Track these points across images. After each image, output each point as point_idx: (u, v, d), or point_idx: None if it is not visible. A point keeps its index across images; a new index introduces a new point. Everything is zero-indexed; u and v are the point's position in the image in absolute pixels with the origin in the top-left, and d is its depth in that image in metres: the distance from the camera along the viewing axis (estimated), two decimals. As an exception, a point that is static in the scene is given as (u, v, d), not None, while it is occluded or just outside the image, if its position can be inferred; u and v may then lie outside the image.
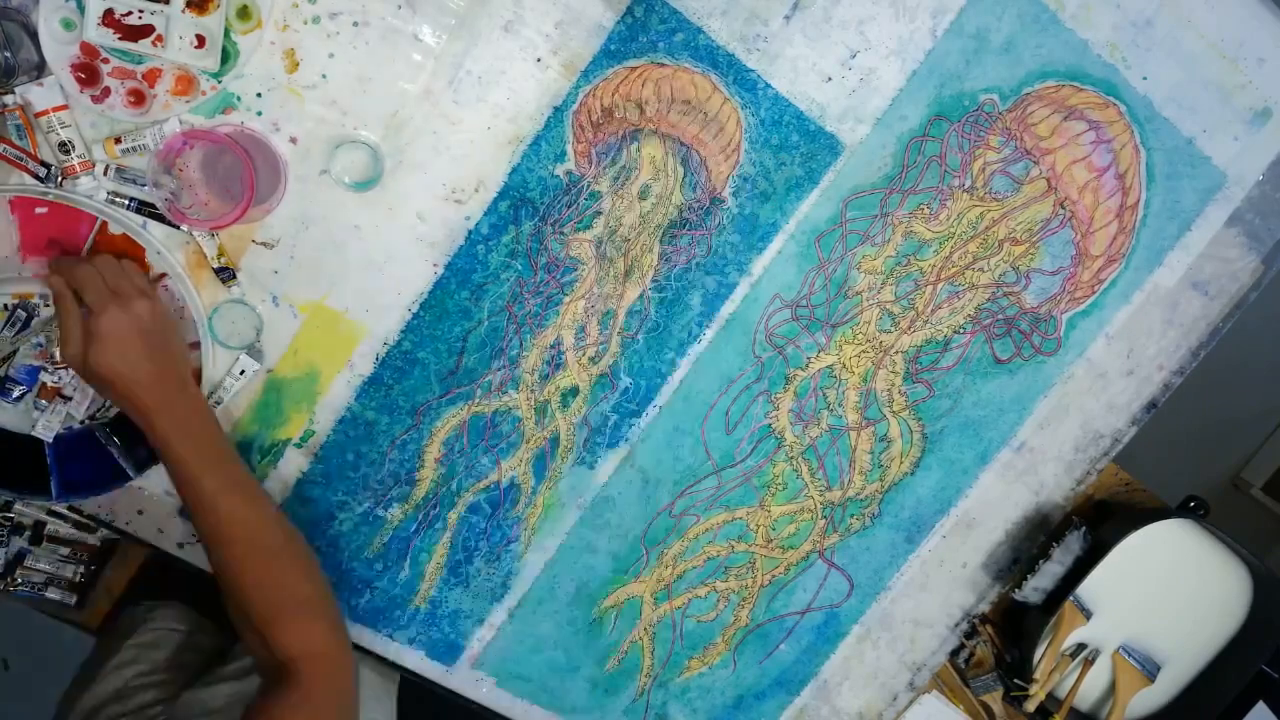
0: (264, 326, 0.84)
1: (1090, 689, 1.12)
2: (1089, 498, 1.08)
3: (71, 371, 0.82)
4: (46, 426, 0.82)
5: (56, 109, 0.75)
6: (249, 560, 0.73)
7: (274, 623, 0.71)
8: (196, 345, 0.83)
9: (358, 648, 0.95)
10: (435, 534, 0.92)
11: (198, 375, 0.83)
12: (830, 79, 0.85)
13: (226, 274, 0.82)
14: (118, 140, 0.77)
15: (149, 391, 0.72)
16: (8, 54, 0.73)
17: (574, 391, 0.90)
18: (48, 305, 0.81)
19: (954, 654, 1.08)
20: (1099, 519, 1.07)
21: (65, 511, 0.88)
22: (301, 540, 0.77)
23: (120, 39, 0.73)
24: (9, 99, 0.74)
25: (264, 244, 0.82)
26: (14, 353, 0.81)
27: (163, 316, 0.75)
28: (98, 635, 1.01)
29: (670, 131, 0.85)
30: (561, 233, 0.86)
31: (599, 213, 0.86)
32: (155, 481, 0.87)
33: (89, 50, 0.74)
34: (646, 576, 0.97)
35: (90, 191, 0.78)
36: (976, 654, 1.09)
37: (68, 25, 0.74)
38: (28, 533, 1.00)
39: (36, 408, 0.82)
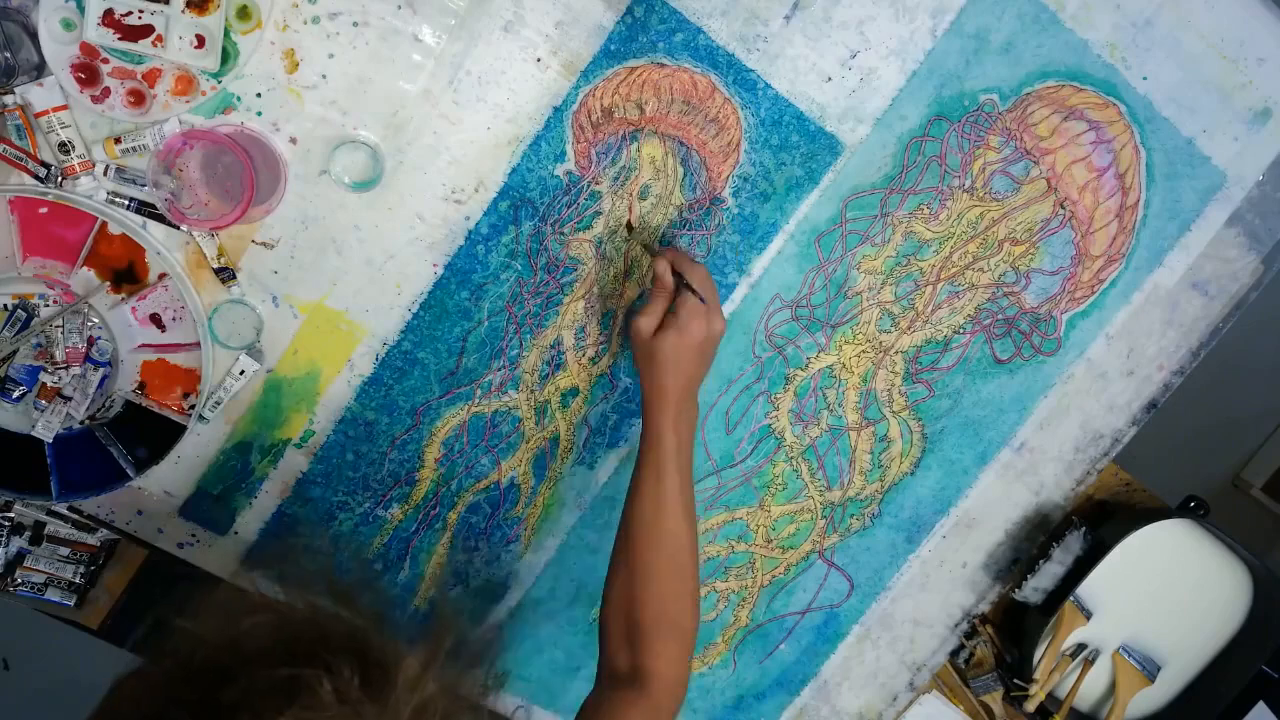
0: (264, 326, 0.84)
1: (1090, 689, 1.12)
2: (1089, 498, 1.08)
3: (73, 372, 0.82)
4: (46, 426, 0.82)
5: (56, 109, 0.76)
6: (667, 571, 0.76)
7: (654, 635, 0.74)
8: (196, 345, 0.83)
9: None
10: (435, 534, 0.92)
11: (193, 380, 0.83)
12: (830, 79, 0.85)
13: (226, 274, 0.82)
14: (118, 140, 0.77)
15: (679, 383, 0.78)
16: (8, 54, 0.73)
17: (574, 391, 0.90)
18: (48, 305, 0.81)
19: (954, 654, 1.08)
20: (1099, 519, 1.07)
21: (65, 511, 0.88)
22: (699, 575, 0.80)
23: (120, 39, 0.74)
24: (9, 99, 0.74)
25: (264, 244, 0.82)
26: (14, 353, 0.81)
27: (719, 340, 0.81)
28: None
29: (670, 131, 0.85)
30: (561, 233, 0.86)
31: (599, 213, 0.86)
32: (155, 481, 0.87)
33: (89, 50, 0.74)
34: (646, 576, 0.97)
35: (90, 191, 0.78)
36: (976, 654, 1.09)
37: (68, 25, 0.74)
38: (28, 533, 1.00)
39: (36, 408, 0.82)
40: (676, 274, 0.80)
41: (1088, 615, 1.07)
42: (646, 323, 0.79)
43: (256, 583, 0.57)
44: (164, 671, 0.47)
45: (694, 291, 0.79)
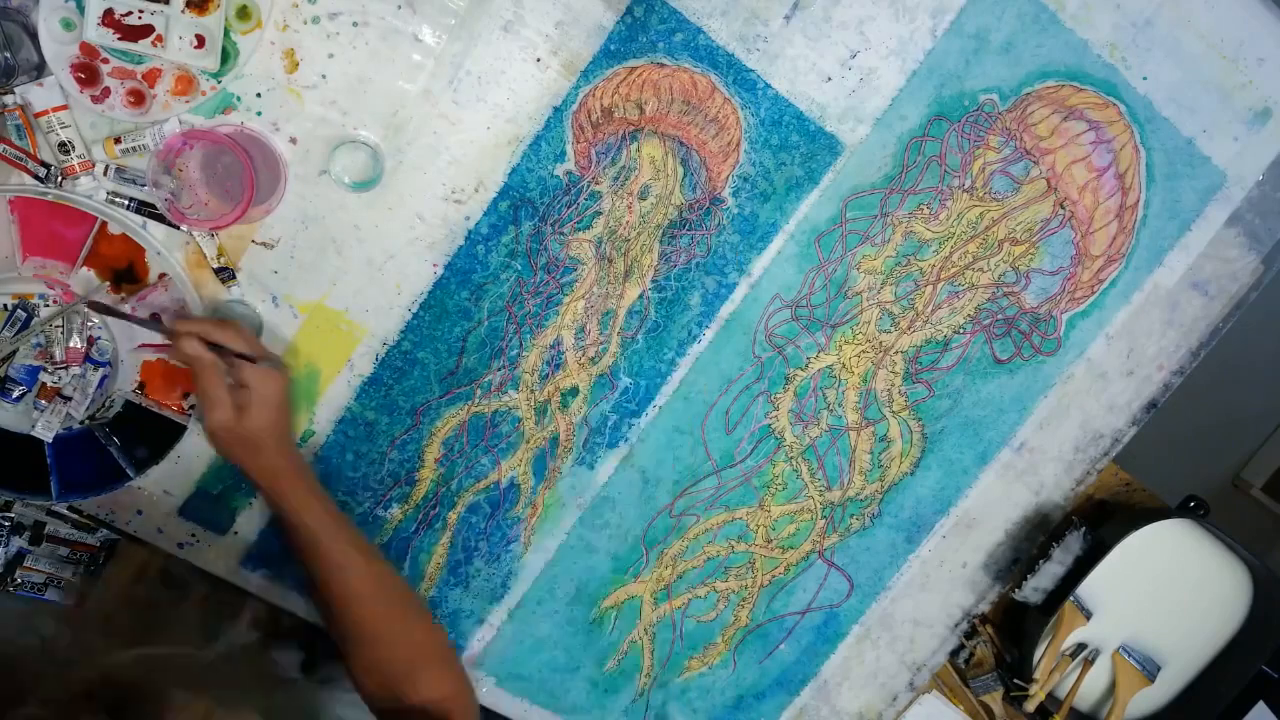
0: (264, 326, 0.84)
1: (1090, 689, 1.12)
2: (1089, 498, 1.08)
3: (73, 372, 0.82)
4: (46, 426, 0.82)
5: (56, 109, 0.75)
6: (382, 616, 0.74)
7: (413, 673, 0.72)
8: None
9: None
10: (435, 534, 0.92)
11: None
12: (830, 79, 0.85)
13: (226, 274, 0.82)
14: (118, 140, 0.77)
15: (284, 454, 0.73)
16: (8, 54, 0.73)
17: (574, 391, 0.90)
18: (48, 305, 0.81)
19: (954, 654, 1.08)
20: (1099, 519, 1.07)
21: (65, 511, 0.88)
22: (415, 592, 0.79)
23: (120, 39, 0.73)
24: (9, 99, 0.74)
25: (264, 244, 0.82)
26: (14, 353, 0.81)
27: (291, 382, 0.76)
28: None
29: (670, 131, 0.85)
30: (561, 233, 0.86)
31: (599, 213, 0.86)
32: (155, 481, 0.87)
33: (89, 50, 0.74)
34: (646, 577, 0.97)
35: (90, 191, 0.78)
36: (976, 654, 1.09)
37: (68, 25, 0.74)
38: (28, 533, 1.00)
39: (36, 408, 0.82)
40: (212, 344, 0.73)
41: (1088, 615, 1.07)
42: (220, 416, 0.71)
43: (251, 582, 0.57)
44: None
45: (241, 355, 0.73)
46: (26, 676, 0.50)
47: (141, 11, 0.73)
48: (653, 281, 0.88)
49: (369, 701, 0.74)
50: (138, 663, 0.55)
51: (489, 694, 0.98)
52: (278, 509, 0.74)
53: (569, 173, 0.84)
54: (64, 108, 0.76)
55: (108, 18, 0.73)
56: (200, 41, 0.75)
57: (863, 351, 0.93)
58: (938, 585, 1.03)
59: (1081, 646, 1.10)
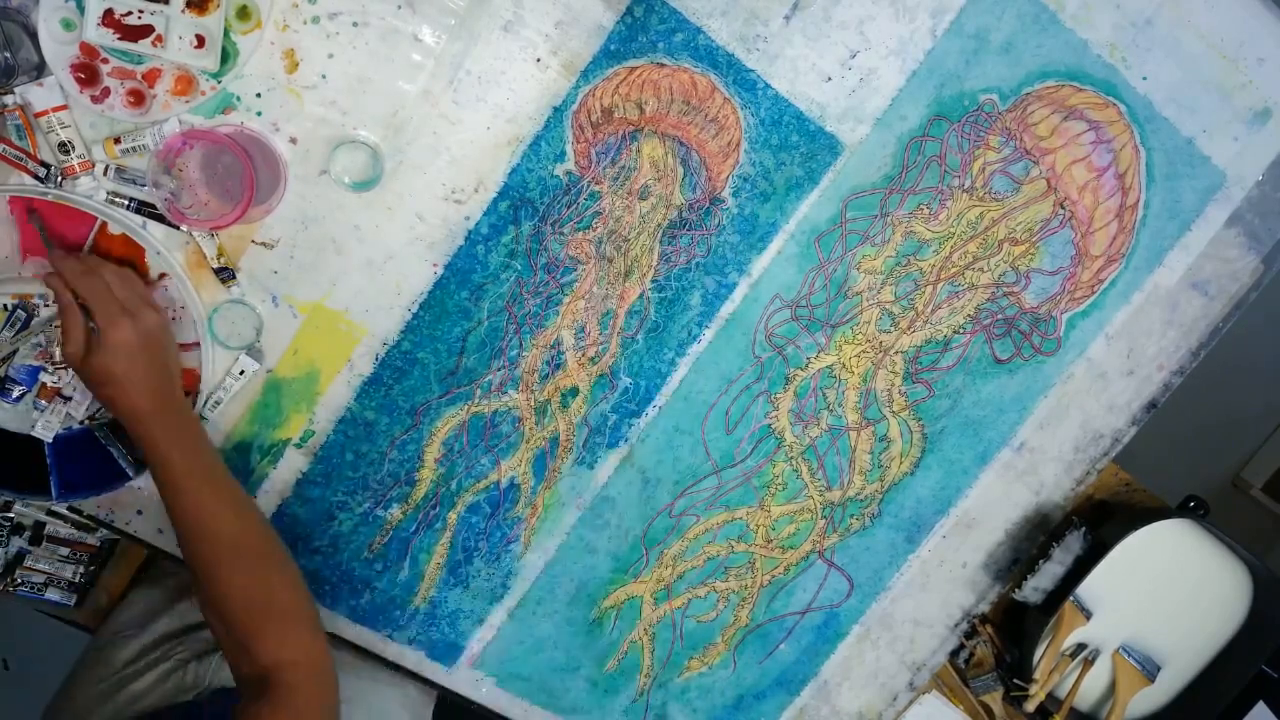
0: (264, 326, 0.84)
1: (1090, 689, 1.12)
2: (1089, 498, 1.08)
3: (71, 372, 0.82)
4: (46, 426, 0.82)
5: (56, 109, 0.75)
6: (231, 565, 0.73)
7: (256, 629, 0.71)
8: (196, 345, 0.83)
9: (391, 665, 0.96)
10: (435, 534, 0.92)
11: (193, 380, 0.83)
12: (830, 79, 0.85)
13: (226, 274, 0.82)
14: (117, 140, 0.77)
15: (144, 397, 0.73)
16: (8, 54, 0.73)
17: (574, 391, 0.90)
18: (48, 305, 0.81)
19: (954, 654, 1.08)
20: (1099, 519, 1.07)
21: (65, 511, 0.88)
22: (283, 548, 0.77)
23: (120, 39, 0.73)
24: (9, 99, 0.74)
25: (264, 244, 0.82)
26: (14, 353, 0.81)
27: (165, 329, 0.77)
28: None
29: (670, 131, 0.85)
30: (561, 233, 0.86)
31: (599, 213, 0.86)
32: (155, 481, 0.87)
33: (89, 50, 0.74)
34: (646, 576, 0.97)
35: (90, 191, 0.78)
36: (976, 654, 1.09)
37: (68, 25, 0.74)
38: (28, 533, 1.01)
39: (36, 408, 0.82)
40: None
41: (1088, 615, 1.07)
42: (71, 351, 0.73)
43: None
44: None
45: (87, 309, 0.73)
46: None
47: (141, 11, 0.73)
48: (653, 281, 0.88)
49: (231, 665, 0.73)
50: None
51: (489, 694, 0.98)
52: (145, 453, 0.75)
53: (569, 173, 0.84)
54: (64, 108, 0.76)
55: (108, 18, 0.73)
56: (200, 41, 0.75)
57: (863, 351, 0.93)
58: (938, 585, 1.03)
59: (1081, 646, 1.10)
